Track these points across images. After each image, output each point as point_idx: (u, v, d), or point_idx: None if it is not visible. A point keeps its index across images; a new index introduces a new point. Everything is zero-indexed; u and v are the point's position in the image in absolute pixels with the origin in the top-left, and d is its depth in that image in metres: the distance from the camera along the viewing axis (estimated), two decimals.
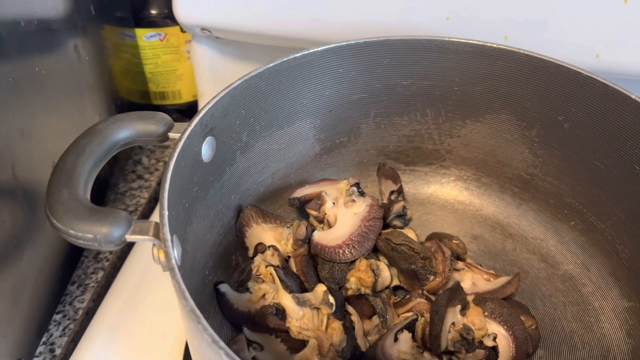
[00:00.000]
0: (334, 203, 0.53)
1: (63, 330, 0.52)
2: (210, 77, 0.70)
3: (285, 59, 0.48)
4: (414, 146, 0.59)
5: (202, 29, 0.62)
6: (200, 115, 0.42)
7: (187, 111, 0.76)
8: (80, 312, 0.54)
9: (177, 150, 0.38)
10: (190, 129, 0.40)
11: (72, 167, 0.37)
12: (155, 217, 0.65)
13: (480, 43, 0.50)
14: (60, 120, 0.51)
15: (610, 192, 0.49)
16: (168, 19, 0.67)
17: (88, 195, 0.37)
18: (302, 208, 0.54)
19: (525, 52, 0.49)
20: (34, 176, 0.47)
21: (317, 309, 0.45)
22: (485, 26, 0.55)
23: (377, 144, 0.59)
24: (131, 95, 0.73)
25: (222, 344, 0.27)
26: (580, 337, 0.48)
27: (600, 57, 0.54)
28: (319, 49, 0.50)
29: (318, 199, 0.54)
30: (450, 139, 0.58)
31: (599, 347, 0.47)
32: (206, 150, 0.44)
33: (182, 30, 0.68)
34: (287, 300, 0.45)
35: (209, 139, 0.44)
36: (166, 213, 0.34)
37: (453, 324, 0.45)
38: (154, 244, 0.35)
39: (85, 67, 0.55)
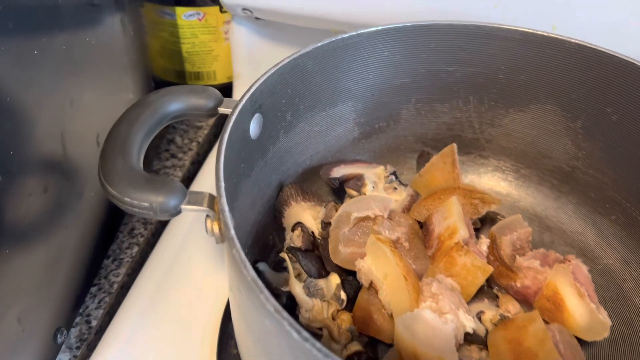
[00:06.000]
0: (373, 187, 0.53)
1: (99, 302, 0.52)
2: (247, 59, 0.70)
3: (333, 39, 0.48)
4: (453, 134, 0.58)
5: (244, 9, 0.62)
6: (252, 90, 0.42)
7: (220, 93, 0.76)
8: (116, 285, 0.54)
9: (230, 123, 0.38)
10: (242, 103, 0.40)
11: (125, 136, 0.37)
12: None
13: (530, 31, 0.50)
14: (104, 93, 0.51)
15: None
16: None
17: (141, 165, 0.37)
18: (340, 188, 0.54)
19: (575, 41, 0.49)
20: (78, 147, 0.47)
21: (328, 302, 0.45)
22: (534, 14, 0.54)
23: (415, 130, 0.59)
24: (167, 74, 0.73)
25: (286, 313, 0.27)
26: (621, 333, 0.48)
27: None
28: (366, 30, 0.49)
29: (358, 179, 0.53)
30: (491, 128, 0.57)
31: None
32: (254, 127, 0.44)
33: (221, 10, 0.68)
34: (298, 290, 0.45)
35: (257, 115, 0.44)
36: (223, 184, 0.34)
37: (482, 312, 0.45)
38: (207, 215, 0.35)
39: (129, 43, 0.55)
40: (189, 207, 0.34)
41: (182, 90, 0.41)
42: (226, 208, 0.33)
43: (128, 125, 0.38)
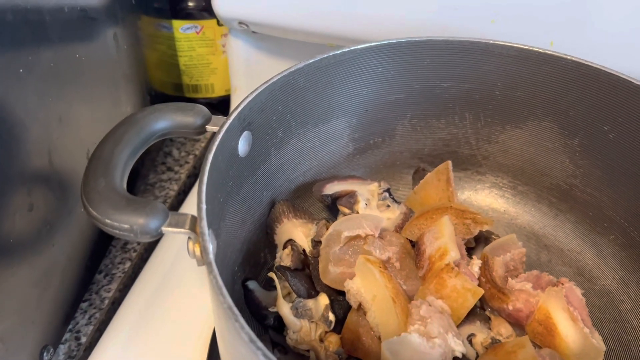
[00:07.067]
0: (366, 204, 0.52)
1: (89, 318, 0.52)
2: (244, 72, 0.69)
3: (325, 56, 0.48)
4: (449, 150, 0.58)
5: (240, 22, 0.62)
6: (239, 109, 0.41)
7: (218, 105, 0.76)
8: (107, 301, 0.54)
9: (216, 143, 0.38)
10: (229, 122, 0.40)
11: (109, 156, 0.37)
12: (185, 210, 0.64)
13: (526, 47, 0.49)
14: (95, 109, 0.51)
15: None
16: (205, 11, 0.67)
17: (124, 185, 0.36)
18: (333, 205, 0.54)
19: (573, 59, 0.48)
20: (67, 163, 0.46)
21: (316, 323, 0.44)
22: (531, 31, 0.53)
23: (411, 146, 0.58)
24: (164, 87, 0.73)
25: (260, 344, 0.26)
26: (617, 355, 0.47)
27: None
28: (359, 46, 0.49)
29: (350, 197, 0.53)
30: (487, 145, 0.56)
31: None
32: (242, 145, 0.43)
33: (219, 24, 0.68)
34: (285, 311, 0.45)
35: (245, 133, 0.43)
36: (204, 206, 0.33)
37: (473, 334, 0.44)
38: (189, 238, 0.34)
39: (123, 57, 0.55)
40: (170, 229, 0.34)
41: (169, 107, 0.41)
42: (206, 231, 0.32)
43: (112, 145, 0.37)
